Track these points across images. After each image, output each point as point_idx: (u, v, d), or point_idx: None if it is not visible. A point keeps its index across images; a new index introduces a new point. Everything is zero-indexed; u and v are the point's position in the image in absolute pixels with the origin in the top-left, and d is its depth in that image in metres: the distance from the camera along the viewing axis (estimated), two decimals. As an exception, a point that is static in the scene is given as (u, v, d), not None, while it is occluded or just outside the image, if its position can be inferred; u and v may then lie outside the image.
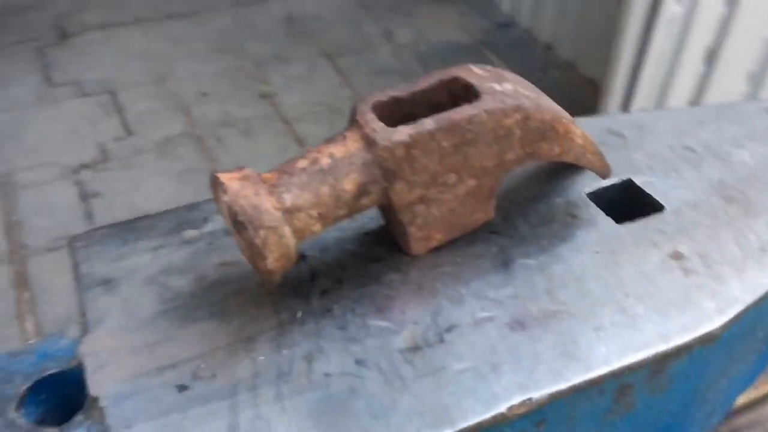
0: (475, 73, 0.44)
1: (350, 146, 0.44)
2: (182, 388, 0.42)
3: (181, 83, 1.97)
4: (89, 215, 1.64)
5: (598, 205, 0.53)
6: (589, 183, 0.54)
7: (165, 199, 1.69)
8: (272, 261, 0.42)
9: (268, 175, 0.44)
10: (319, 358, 0.43)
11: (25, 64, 2.02)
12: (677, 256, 0.50)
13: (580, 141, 0.45)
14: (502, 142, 0.42)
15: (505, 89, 0.42)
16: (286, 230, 0.42)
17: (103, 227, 0.53)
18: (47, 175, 1.72)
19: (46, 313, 1.42)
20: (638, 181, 0.55)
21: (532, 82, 0.47)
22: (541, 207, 0.53)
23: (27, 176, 1.71)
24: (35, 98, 1.91)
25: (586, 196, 0.53)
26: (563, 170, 0.54)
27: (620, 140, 0.58)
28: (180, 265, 0.49)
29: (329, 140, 0.45)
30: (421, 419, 0.40)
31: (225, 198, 0.41)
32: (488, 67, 0.46)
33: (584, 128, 0.55)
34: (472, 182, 0.45)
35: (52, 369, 0.44)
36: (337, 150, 0.44)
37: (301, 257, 0.50)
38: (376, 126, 0.43)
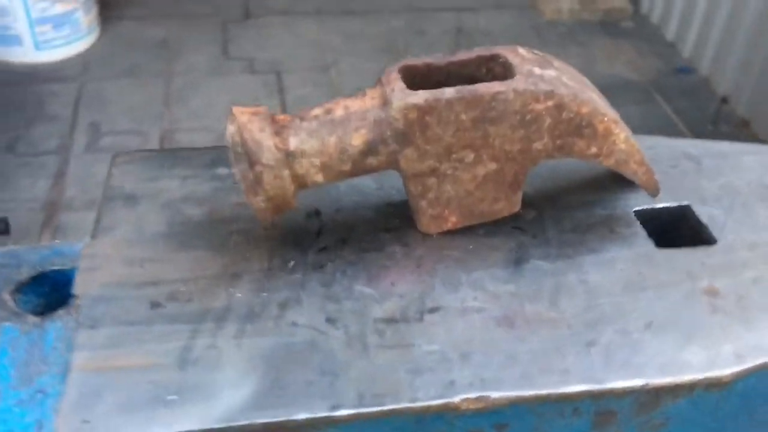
0: (519, 54, 0.42)
1: (367, 102, 0.43)
2: (156, 305, 0.43)
3: (342, 76, 2.04)
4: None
5: (644, 226, 0.49)
6: (641, 202, 0.50)
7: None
8: (264, 199, 0.42)
9: (281, 117, 0.44)
10: (293, 308, 0.43)
11: (208, 36, 2.17)
12: (711, 291, 0.45)
13: (623, 145, 0.41)
14: (530, 127, 0.40)
15: (545, 74, 0.40)
16: (285, 172, 0.42)
17: (146, 150, 0.56)
18: (203, 138, 1.84)
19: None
20: (698, 209, 0.50)
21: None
22: (579, 214, 0.50)
23: (186, 137, 1.84)
24: (210, 68, 2.05)
25: (632, 213, 0.49)
26: (615, 183, 0.50)
27: (694, 165, 0.53)
28: (200, 196, 0.51)
29: (348, 96, 0.45)
30: (368, 387, 0.39)
31: (231, 128, 0.42)
32: (537, 52, 0.44)
33: (661, 147, 0.53)
34: (492, 165, 0.42)
35: (57, 266, 0.46)
36: (354, 104, 0.43)
37: (315, 212, 0.50)
38: (395, 86, 0.42)
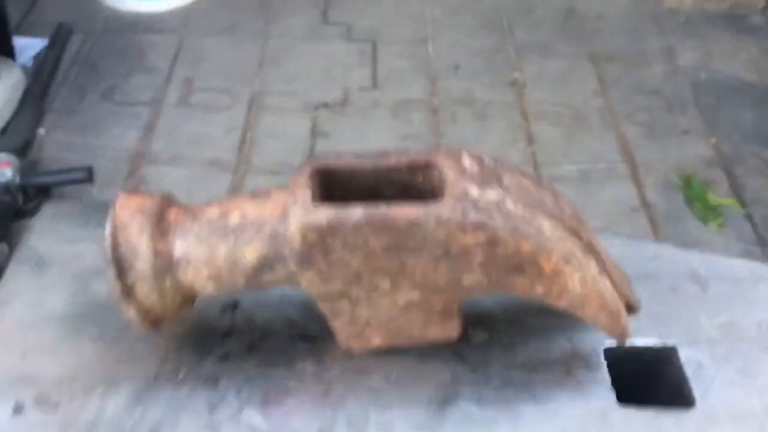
0: (460, 165, 0.34)
1: (268, 209, 0.37)
2: (18, 409, 0.39)
3: (439, 51, 1.98)
4: (311, 152, 1.74)
5: (611, 369, 0.40)
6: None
7: (382, 158, 1.74)
8: (137, 311, 0.38)
9: (173, 213, 0.39)
10: (164, 433, 0.38)
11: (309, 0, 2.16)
12: None
13: (577, 288, 0.34)
14: (457, 261, 0.33)
15: (483, 197, 0.33)
16: (166, 283, 0.37)
17: (80, 201, 0.51)
18: (291, 104, 1.83)
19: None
20: (685, 354, 0.40)
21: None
22: (536, 345, 0.41)
23: (274, 100, 1.84)
24: (306, 32, 2.03)
25: (601, 351, 0.40)
26: None
27: (698, 291, 0.43)
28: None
29: (254, 193, 0.39)
30: None
31: (107, 228, 0.37)
32: (488, 161, 0.36)
33: (665, 260, 0.44)
34: (415, 294, 0.35)
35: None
36: (253, 209, 0.38)
37: (233, 306, 0.44)
38: (299, 196, 0.35)
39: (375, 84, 1.90)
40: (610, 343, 0.40)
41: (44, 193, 1.65)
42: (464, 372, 0.40)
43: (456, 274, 0.33)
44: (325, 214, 0.34)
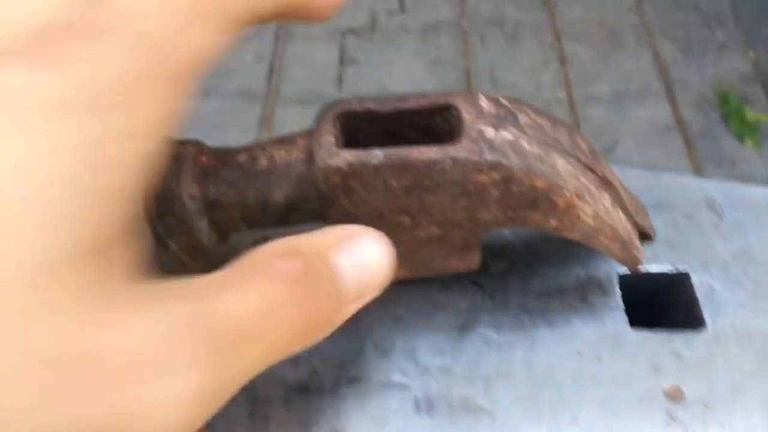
0: (477, 106, 0.34)
1: (293, 153, 0.38)
2: None
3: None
4: (340, 80, 1.73)
5: (626, 294, 0.41)
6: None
7: (411, 83, 1.73)
8: (172, 253, 0.38)
9: (204, 158, 0.39)
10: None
11: None
12: (675, 394, 0.37)
13: (590, 221, 0.34)
14: (473, 198, 0.34)
15: (497, 137, 0.33)
16: (202, 223, 0.38)
17: None
18: (317, 31, 1.82)
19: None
20: (697, 280, 0.41)
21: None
22: (552, 273, 0.42)
23: (301, 29, 1.83)
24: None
25: (615, 278, 0.42)
26: None
27: (714, 218, 0.44)
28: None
29: (280, 139, 0.39)
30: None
31: None
32: (504, 101, 0.35)
33: (679, 189, 0.44)
34: (434, 230, 0.36)
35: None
36: (280, 154, 0.38)
37: (264, 239, 0.44)
38: (323, 140, 0.36)
39: (402, 7, 1.88)
40: (625, 270, 0.42)
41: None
42: (483, 300, 0.42)
43: (473, 210, 0.34)
44: (346, 157, 0.35)
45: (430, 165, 0.33)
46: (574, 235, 0.35)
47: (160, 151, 0.19)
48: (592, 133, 1.63)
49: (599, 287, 0.41)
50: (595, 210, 0.33)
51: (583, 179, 0.34)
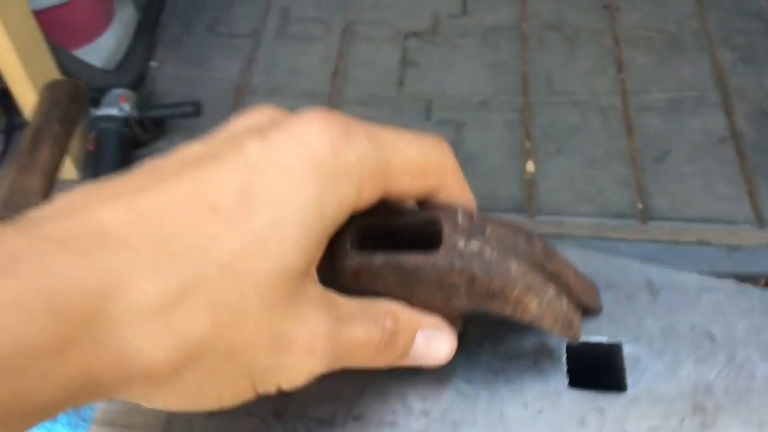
0: (454, 222, 0.44)
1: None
2: None
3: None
4: (401, 82, 1.81)
5: (572, 358, 0.50)
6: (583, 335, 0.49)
7: (470, 87, 1.79)
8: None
9: None
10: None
11: None
12: None
13: (535, 310, 0.43)
14: (448, 291, 0.43)
15: (467, 248, 0.43)
16: None
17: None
18: (381, 33, 1.90)
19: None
20: (628, 350, 0.50)
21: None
22: (515, 339, 0.51)
23: (365, 30, 1.91)
24: (398, -42, 2.07)
25: (564, 347, 0.50)
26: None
27: (650, 299, 0.51)
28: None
29: None
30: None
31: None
32: (476, 216, 0.45)
33: (627, 272, 0.52)
34: (417, 306, 0.46)
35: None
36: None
37: None
38: (340, 244, 0.45)
39: (465, 10, 1.93)
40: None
41: (158, 125, 1.82)
42: (460, 358, 0.50)
43: (448, 299, 0.44)
44: (356, 259, 0.45)
45: (416, 268, 0.43)
46: (524, 319, 0.44)
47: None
48: (645, 141, 1.66)
49: (549, 353, 0.49)
50: (539, 301, 0.43)
51: (531, 277, 0.43)
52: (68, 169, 1.61)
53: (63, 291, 0.20)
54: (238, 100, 1.76)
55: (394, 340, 0.32)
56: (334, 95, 1.77)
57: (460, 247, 0.42)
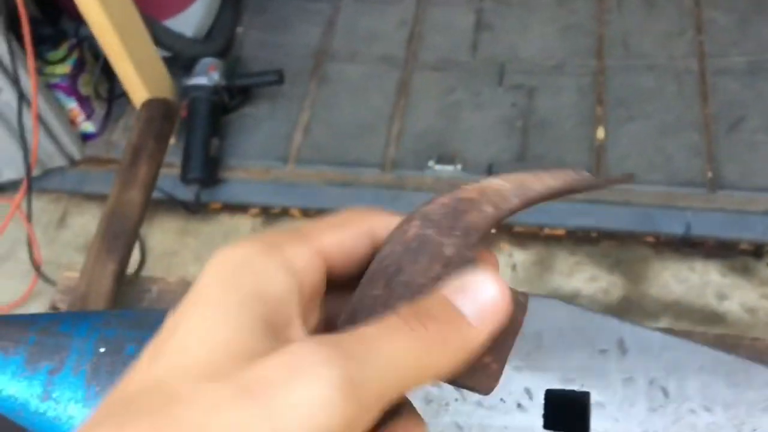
0: None
1: None
2: None
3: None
4: (475, 46, 1.84)
5: (551, 404, 0.56)
6: (556, 382, 0.57)
7: (543, 50, 1.81)
8: None
9: None
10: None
11: None
12: None
13: (506, 184, 0.35)
14: (425, 248, 0.27)
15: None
16: None
17: None
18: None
19: (410, 124, 1.73)
20: (595, 398, 0.56)
21: None
22: (505, 383, 0.56)
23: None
24: None
25: (545, 392, 0.57)
26: (551, 359, 0.59)
27: (620, 354, 0.58)
28: None
29: None
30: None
31: None
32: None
33: (603, 329, 0.58)
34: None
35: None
36: None
37: None
38: None
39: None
40: (551, 386, 0.57)
41: (245, 92, 1.94)
42: (457, 396, 0.59)
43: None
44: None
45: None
46: (512, 204, 0.34)
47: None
48: (720, 107, 1.65)
49: (530, 396, 0.57)
50: (502, 178, 0.35)
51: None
52: (164, 135, 1.75)
53: None
54: (318, 65, 1.84)
55: (427, 320, 0.24)
56: (409, 60, 1.82)
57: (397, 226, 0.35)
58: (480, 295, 0.25)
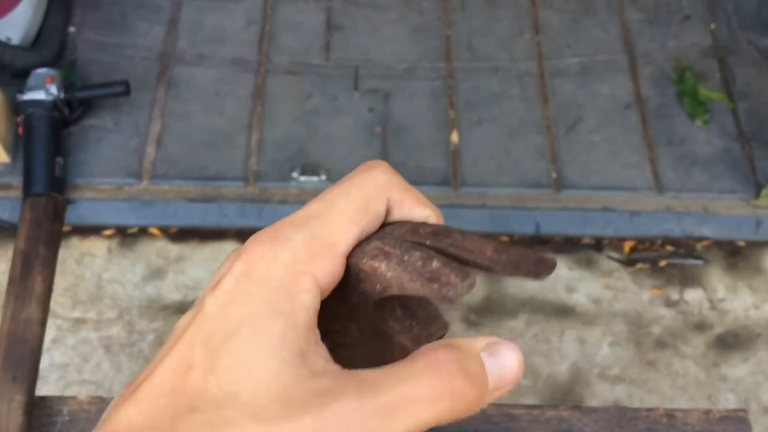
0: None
1: None
2: None
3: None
4: (327, 47, 1.83)
5: None
6: None
7: (395, 53, 1.84)
8: None
9: None
10: None
11: None
12: None
13: (386, 273, 0.36)
14: (340, 290, 0.34)
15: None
16: None
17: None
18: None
19: (269, 132, 1.70)
20: None
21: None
22: None
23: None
24: None
25: None
26: None
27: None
28: None
29: None
30: None
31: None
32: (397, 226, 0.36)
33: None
34: (353, 326, 0.38)
35: None
36: None
37: None
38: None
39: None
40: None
41: (86, 102, 1.82)
42: None
43: (363, 304, 0.35)
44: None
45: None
46: (391, 291, 0.36)
47: None
48: (559, 109, 1.77)
49: None
50: (387, 263, 0.34)
51: (380, 248, 0.35)
52: (-2, 154, 1.61)
53: None
54: (164, 69, 1.75)
55: (458, 376, 0.25)
56: (262, 63, 1.78)
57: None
58: (505, 362, 0.27)
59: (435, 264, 0.33)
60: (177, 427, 0.24)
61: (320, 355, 0.26)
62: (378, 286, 0.36)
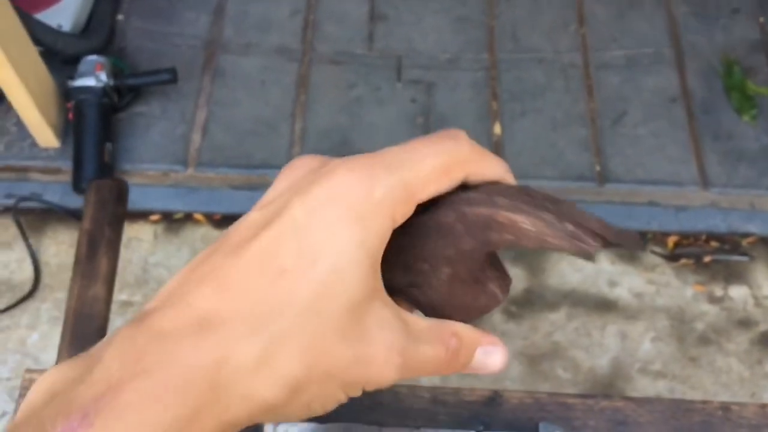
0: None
1: None
2: None
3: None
4: (371, 37, 1.84)
5: None
6: None
7: (437, 42, 1.83)
8: None
9: None
10: None
11: None
12: None
13: (531, 230, 0.38)
14: (450, 236, 0.40)
15: (458, 196, 0.39)
16: None
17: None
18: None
19: (313, 121, 1.71)
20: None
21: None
22: None
23: None
24: None
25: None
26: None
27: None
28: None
29: None
30: None
31: None
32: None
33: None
34: (446, 270, 0.42)
35: None
36: None
37: None
38: None
39: None
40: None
41: (135, 89, 1.84)
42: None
43: (458, 246, 0.40)
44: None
45: (419, 223, 0.39)
46: (528, 243, 0.39)
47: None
48: (604, 101, 1.76)
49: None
50: (532, 220, 0.37)
51: (518, 202, 0.38)
52: (49, 138, 1.64)
53: (187, 377, 0.26)
54: (211, 58, 1.77)
55: (456, 356, 0.34)
56: (306, 52, 1.79)
57: (453, 197, 0.39)
58: (490, 360, 0.36)
59: (569, 226, 0.37)
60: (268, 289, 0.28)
61: (386, 299, 0.32)
62: (507, 236, 0.39)
